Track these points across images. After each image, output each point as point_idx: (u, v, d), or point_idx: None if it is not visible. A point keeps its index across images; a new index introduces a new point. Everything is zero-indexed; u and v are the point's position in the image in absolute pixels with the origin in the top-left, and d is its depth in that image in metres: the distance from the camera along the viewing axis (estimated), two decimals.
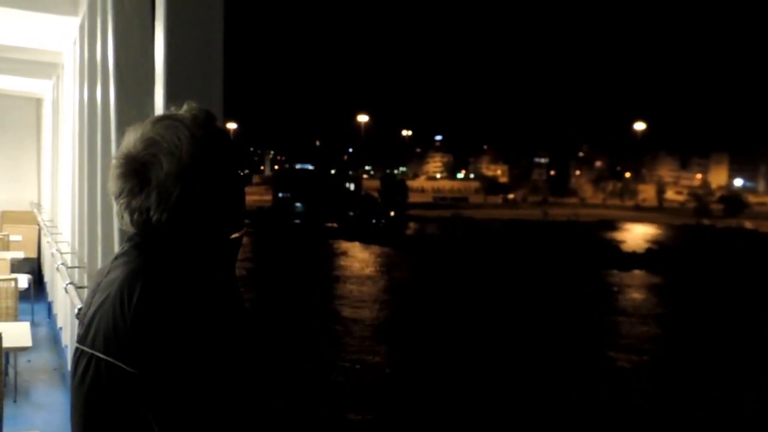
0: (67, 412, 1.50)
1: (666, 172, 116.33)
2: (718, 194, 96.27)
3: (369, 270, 39.82)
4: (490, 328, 24.69)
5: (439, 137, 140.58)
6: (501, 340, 23.00)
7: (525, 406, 16.95)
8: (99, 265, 4.32)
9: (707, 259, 43.01)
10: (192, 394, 1.32)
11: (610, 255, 45.84)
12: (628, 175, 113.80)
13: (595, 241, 54.72)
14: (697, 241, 54.09)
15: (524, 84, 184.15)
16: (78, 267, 5.62)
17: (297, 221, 67.44)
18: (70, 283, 4.52)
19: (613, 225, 71.44)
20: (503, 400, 17.25)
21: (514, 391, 17.84)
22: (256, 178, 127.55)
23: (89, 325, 1.43)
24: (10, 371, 5.71)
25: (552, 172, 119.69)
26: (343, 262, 43.10)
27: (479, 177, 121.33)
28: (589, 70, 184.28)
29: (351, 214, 65.08)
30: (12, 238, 9.98)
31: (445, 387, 17.96)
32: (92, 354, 1.38)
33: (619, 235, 61.23)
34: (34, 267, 10.03)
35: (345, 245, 51.46)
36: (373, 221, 62.37)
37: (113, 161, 1.48)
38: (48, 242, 7.94)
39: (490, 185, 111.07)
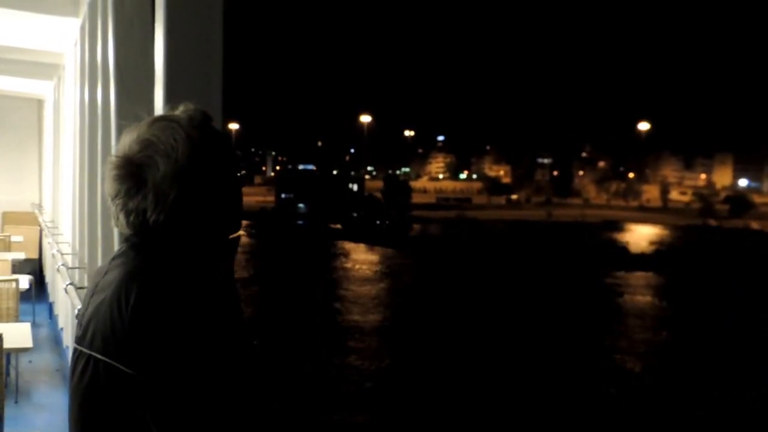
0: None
1: (670, 172, 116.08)
2: (723, 195, 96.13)
3: (374, 272, 39.77)
4: (494, 330, 24.66)
5: (441, 137, 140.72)
6: (504, 341, 22.98)
7: (525, 407, 16.94)
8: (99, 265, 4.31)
9: (716, 261, 42.82)
10: (190, 394, 1.33)
11: (618, 256, 45.46)
12: (631, 175, 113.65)
13: (601, 242, 54.52)
14: (705, 242, 53.84)
15: (527, 84, 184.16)
16: (78, 268, 5.62)
17: (300, 222, 67.49)
18: (71, 283, 4.52)
19: (618, 226, 71.25)
20: (503, 401, 17.24)
21: (515, 392, 17.83)
22: (257, 179, 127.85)
23: (87, 325, 1.43)
24: (12, 372, 5.72)
25: (555, 173, 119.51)
26: (348, 264, 43.06)
27: (482, 177, 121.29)
28: (591, 70, 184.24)
29: (355, 215, 65.04)
30: (13, 239, 10.00)
31: (446, 389, 17.95)
32: (90, 355, 1.39)
33: (625, 236, 61.00)
34: (35, 268, 10.04)
35: (350, 247, 51.42)
36: (378, 222, 62.30)
37: (109, 163, 1.47)
38: (49, 243, 7.94)
39: (493, 186, 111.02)
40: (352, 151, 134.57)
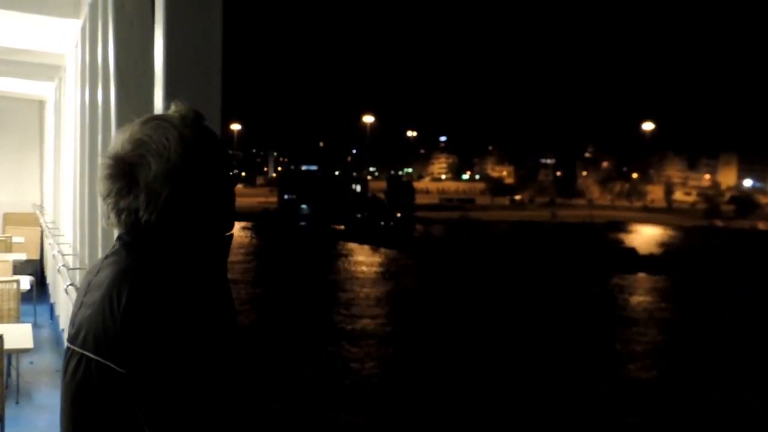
0: None
1: (674, 172, 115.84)
2: (728, 195, 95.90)
3: (377, 273, 39.72)
4: (496, 331, 24.62)
5: (443, 138, 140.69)
6: (505, 343, 22.94)
7: (525, 407, 16.92)
8: None
9: (724, 263, 42.44)
10: (181, 393, 1.33)
11: (623, 258, 44.97)
12: (635, 175, 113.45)
13: (608, 243, 54.10)
14: (712, 243, 53.41)
15: (529, 84, 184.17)
16: (80, 269, 5.61)
17: (303, 223, 67.47)
18: (72, 284, 4.52)
19: (624, 227, 70.92)
20: (503, 402, 17.22)
21: (515, 393, 17.80)
22: (260, 180, 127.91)
23: (80, 324, 1.43)
24: (12, 373, 5.72)
25: (558, 173, 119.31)
26: (351, 265, 42.98)
27: (484, 178, 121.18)
28: (594, 70, 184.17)
29: (359, 216, 64.97)
30: (14, 239, 9.99)
31: (446, 389, 17.92)
32: (83, 354, 1.39)
33: (631, 238, 60.65)
34: (36, 269, 10.04)
35: (353, 247, 51.33)
36: (381, 223, 62.20)
37: (101, 162, 1.48)
38: (50, 244, 7.93)
39: (496, 186, 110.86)
40: (354, 151, 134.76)
